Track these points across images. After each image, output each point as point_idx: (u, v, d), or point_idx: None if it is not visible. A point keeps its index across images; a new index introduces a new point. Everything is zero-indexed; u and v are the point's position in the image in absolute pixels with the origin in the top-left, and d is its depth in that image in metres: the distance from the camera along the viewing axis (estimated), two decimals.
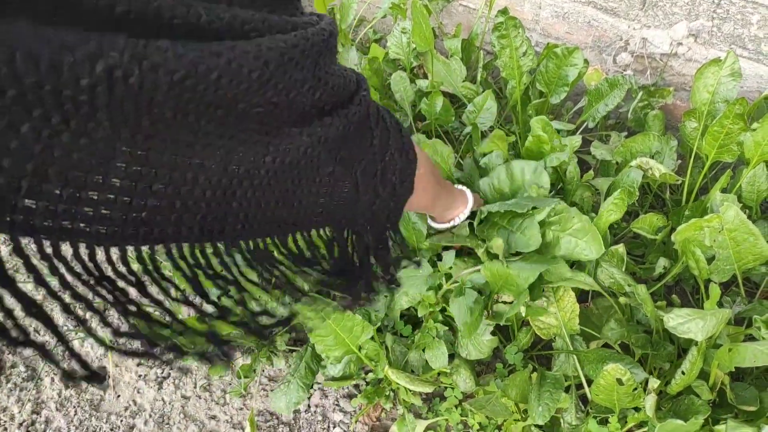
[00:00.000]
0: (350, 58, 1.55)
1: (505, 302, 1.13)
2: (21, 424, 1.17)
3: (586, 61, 1.48)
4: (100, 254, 0.36)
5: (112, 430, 1.17)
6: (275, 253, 0.53)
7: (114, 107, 0.29)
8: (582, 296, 1.23)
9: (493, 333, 1.10)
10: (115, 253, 0.37)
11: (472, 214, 1.13)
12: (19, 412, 1.20)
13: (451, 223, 1.07)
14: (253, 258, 0.49)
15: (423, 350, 1.15)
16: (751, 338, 0.93)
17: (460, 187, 1.06)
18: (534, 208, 1.06)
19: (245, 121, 0.38)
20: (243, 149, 0.39)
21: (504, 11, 1.43)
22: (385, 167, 0.61)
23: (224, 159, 0.38)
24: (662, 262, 1.13)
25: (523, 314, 1.00)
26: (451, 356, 1.15)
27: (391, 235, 0.70)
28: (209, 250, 0.44)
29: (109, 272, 0.38)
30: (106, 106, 0.29)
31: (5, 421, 1.19)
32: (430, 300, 1.15)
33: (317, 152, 0.48)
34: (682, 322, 0.84)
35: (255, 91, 0.36)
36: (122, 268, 0.38)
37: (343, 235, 0.61)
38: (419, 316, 1.18)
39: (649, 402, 0.84)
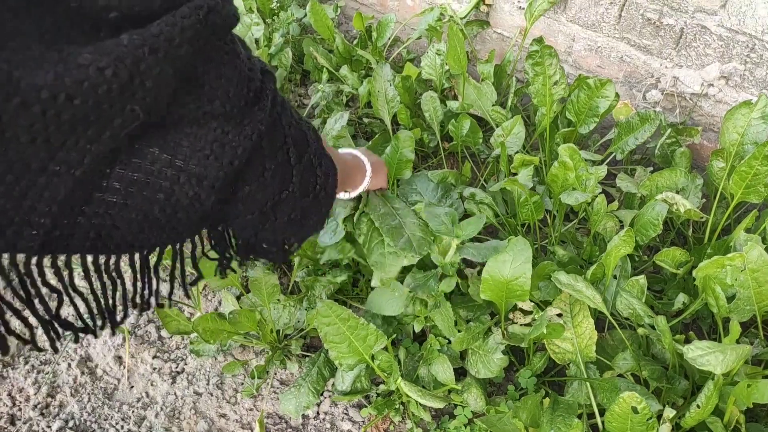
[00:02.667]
0: (384, 74, 1.58)
1: (523, 324, 1.14)
2: (36, 406, 1.19)
3: (617, 94, 1.49)
4: None
5: (123, 419, 1.19)
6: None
7: None
8: (598, 326, 1.23)
9: (505, 353, 1.10)
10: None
11: None
12: (35, 394, 1.22)
13: (352, 194, 0.98)
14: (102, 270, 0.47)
15: (430, 365, 1.15)
16: None
17: (348, 150, 0.97)
18: None
19: (98, 134, 0.34)
20: (95, 165, 0.36)
21: (540, 40, 1.46)
22: (280, 203, 0.56)
23: (78, 177, 0.35)
24: (681, 298, 1.13)
25: (544, 331, 1.00)
26: (465, 374, 1.15)
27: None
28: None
29: None
30: None
31: (20, 402, 1.21)
32: (422, 313, 1.16)
33: (192, 186, 0.44)
34: (702, 354, 0.84)
35: (100, 108, 0.33)
36: None
37: (218, 231, 0.58)
38: (416, 331, 1.20)
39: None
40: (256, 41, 1.80)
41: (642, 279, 1.10)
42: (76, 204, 0.38)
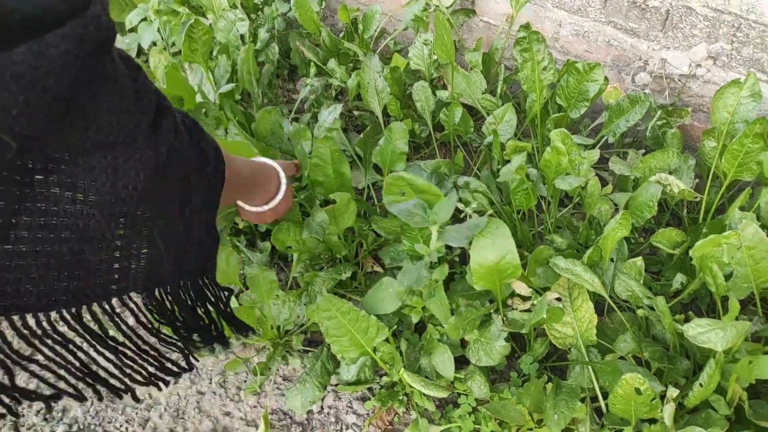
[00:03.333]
0: (373, 66, 1.57)
1: (522, 310, 1.14)
2: (39, 412, 1.18)
3: (606, 78, 1.50)
4: None
5: (127, 421, 1.18)
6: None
7: None
8: (598, 310, 1.24)
9: (507, 340, 1.10)
10: None
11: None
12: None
13: (270, 204, 0.93)
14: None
15: (430, 355, 1.16)
16: None
17: (262, 159, 0.92)
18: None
19: None
20: None
21: (527, 26, 1.46)
22: (188, 222, 0.54)
23: None
24: (679, 278, 1.14)
25: (544, 315, 1.00)
26: (467, 362, 1.16)
27: (209, 285, 0.63)
28: None
29: None
30: None
31: (23, 407, 1.20)
32: (419, 304, 1.16)
33: (96, 220, 0.42)
34: (702, 331, 0.85)
35: None
36: None
37: (155, 296, 0.55)
38: (414, 322, 1.20)
39: (668, 411, 0.84)
40: (242, 37, 1.78)
41: (639, 261, 1.11)
42: None
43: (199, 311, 0.62)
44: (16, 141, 0.34)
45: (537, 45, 1.45)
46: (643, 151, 1.51)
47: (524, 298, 1.17)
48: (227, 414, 1.19)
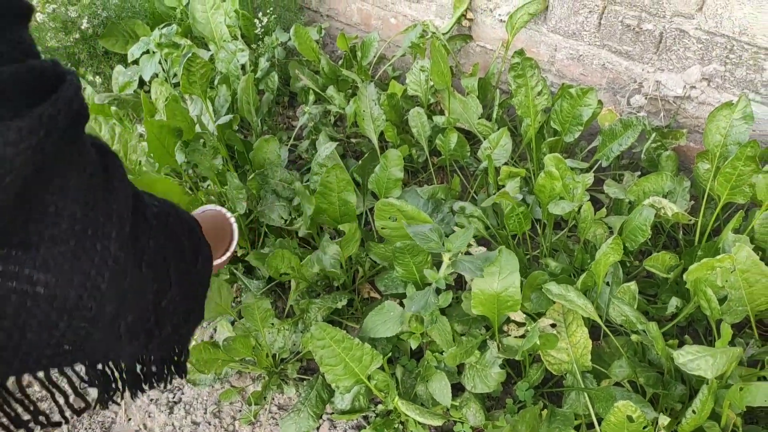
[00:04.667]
0: (369, 94, 1.59)
1: (516, 336, 1.14)
2: None
3: (600, 101, 1.51)
4: None
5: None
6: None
7: None
8: (594, 334, 1.23)
9: (502, 366, 1.10)
10: None
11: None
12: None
13: (230, 250, 0.86)
14: None
15: (428, 382, 1.15)
16: (764, 380, 0.93)
17: (213, 208, 0.88)
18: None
19: None
20: None
21: (520, 52, 1.47)
22: (162, 314, 0.51)
23: None
24: (674, 302, 1.13)
25: (537, 342, 1.00)
26: (463, 389, 1.15)
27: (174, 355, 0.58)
28: None
29: None
30: None
31: None
32: (419, 330, 1.16)
33: (58, 315, 0.39)
34: (692, 358, 0.84)
35: None
36: None
37: (96, 369, 0.50)
38: (413, 348, 1.20)
39: None
40: (242, 67, 1.82)
41: (633, 285, 1.10)
42: None
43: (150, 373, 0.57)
44: None
45: (530, 71, 1.47)
46: (639, 173, 1.51)
47: (519, 324, 1.16)
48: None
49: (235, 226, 0.87)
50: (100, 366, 0.51)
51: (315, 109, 1.75)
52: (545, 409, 1.07)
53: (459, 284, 1.40)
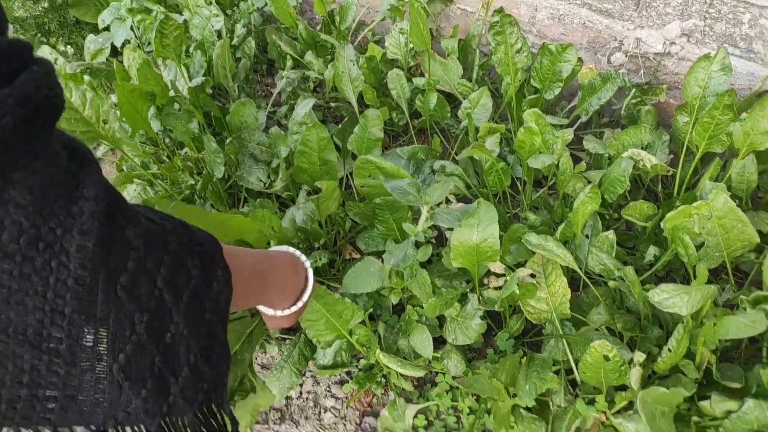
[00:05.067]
0: (347, 54, 1.57)
1: (496, 288, 1.14)
2: None
3: (580, 59, 1.50)
4: None
5: None
6: None
7: None
8: (573, 286, 1.24)
9: (482, 318, 1.10)
10: None
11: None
12: None
13: (297, 306, 0.72)
14: None
15: (409, 336, 1.16)
16: None
17: (283, 248, 0.74)
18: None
19: None
20: None
21: (500, 10, 1.46)
22: (169, 351, 0.44)
23: None
24: (652, 250, 1.14)
25: (516, 291, 1.00)
26: (445, 342, 1.15)
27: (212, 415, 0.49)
28: None
29: None
30: None
31: None
32: (399, 285, 1.16)
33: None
34: (668, 296, 0.85)
35: None
36: None
37: None
38: (393, 303, 1.20)
39: (634, 376, 0.84)
40: (218, 33, 1.78)
41: (611, 234, 1.11)
42: None
43: None
44: None
45: (510, 28, 1.45)
46: (619, 130, 1.50)
47: (499, 276, 1.16)
48: None
49: (310, 271, 0.73)
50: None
51: (293, 74, 1.72)
52: (525, 357, 1.08)
53: (440, 242, 1.40)
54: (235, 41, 1.82)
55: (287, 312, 0.70)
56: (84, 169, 0.37)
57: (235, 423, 0.51)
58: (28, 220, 0.34)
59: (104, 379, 0.39)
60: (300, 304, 0.71)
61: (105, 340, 0.39)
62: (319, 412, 1.16)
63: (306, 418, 1.15)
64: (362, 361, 1.18)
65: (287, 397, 1.19)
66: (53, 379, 0.36)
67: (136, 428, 0.43)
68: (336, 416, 1.16)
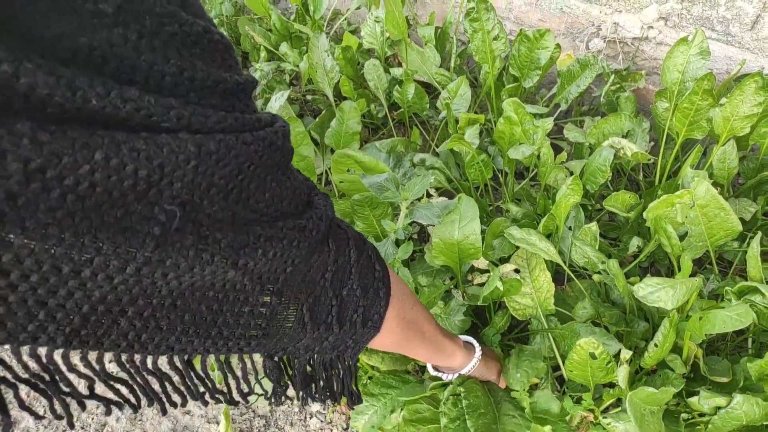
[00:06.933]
0: (321, 45, 1.53)
1: (479, 284, 1.12)
2: None
3: (558, 45, 1.47)
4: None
5: (83, 428, 1.14)
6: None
7: None
8: (558, 280, 1.23)
9: (466, 314, 1.09)
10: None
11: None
12: None
13: (447, 376, 0.93)
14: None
15: None
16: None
17: (463, 337, 0.92)
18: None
19: (143, 226, 0.32)
20: (135, 263, 0.33)
21: None
22: (343, 304, 0.52)
23: (106, 269, 0.33)
24: (635, 241, 1.13)
25: (500, 287, 0.99)
26: None
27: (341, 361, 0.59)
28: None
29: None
30: None
31: None
32: None
33: (242, 284, 0.41)
34: (653, 290, 0.84)
35: (152, 194, 0.30)
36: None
37: (273, 361, 0.53)
38: None
39: (622, 374, 0.83)
40: None
41: (594, 226, 1.09)
42: (116, 306, 0.35)
43: (319, 383, 0.59)
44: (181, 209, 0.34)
45: (486, 14, 1.42)
46: (599, 117, 1.49)
47: (483, 272, 1.15)
48: (187, 412, 1.16)
49: (477, 356, 0.90)
50: (276, 357, 0.53)
51: (267, 66, 1.68)
52: (513, 349, 1.06)
53: (424, 239, 1.38)
54: None
55: (444, 376, 0.92)
56: (313, 189, 0.49)
57: (357, 397, 0.64)
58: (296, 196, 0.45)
59: (293, 318, 0.48)
60: (453, 375, 0.90)
61: (306, 281, 0.48)
62: (305, 418, 1.14)
63: (291, 424, 1.13)
64: None
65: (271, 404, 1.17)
66: (259, 321, 0.45)
67: (293, 361, 0.55)
68: (322, 421, 1.14)
